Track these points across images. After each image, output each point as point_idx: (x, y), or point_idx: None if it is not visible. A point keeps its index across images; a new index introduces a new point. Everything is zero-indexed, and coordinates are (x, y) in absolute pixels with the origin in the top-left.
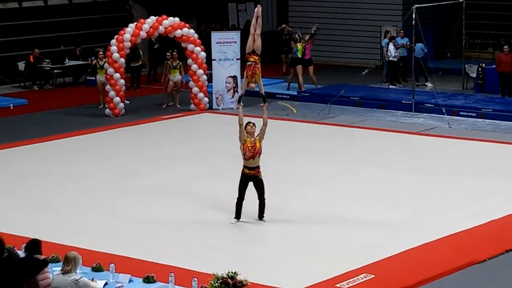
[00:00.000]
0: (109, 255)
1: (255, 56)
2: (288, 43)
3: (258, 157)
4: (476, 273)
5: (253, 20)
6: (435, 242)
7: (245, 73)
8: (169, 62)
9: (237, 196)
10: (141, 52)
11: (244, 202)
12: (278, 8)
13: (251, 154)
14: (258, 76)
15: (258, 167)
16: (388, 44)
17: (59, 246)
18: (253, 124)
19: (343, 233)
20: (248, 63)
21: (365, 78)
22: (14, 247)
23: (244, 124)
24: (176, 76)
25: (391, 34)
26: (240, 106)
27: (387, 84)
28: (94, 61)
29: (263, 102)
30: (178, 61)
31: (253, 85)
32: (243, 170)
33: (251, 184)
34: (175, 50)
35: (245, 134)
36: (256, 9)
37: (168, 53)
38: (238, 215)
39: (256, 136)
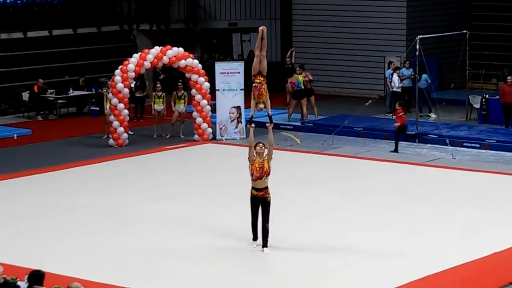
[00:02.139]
0: (111, 287)
1: (260, 77)
2: (291, 73)
3: (266, 177)
4: None
5: (258, 42)
6: (439, 274)
7: (251, 94)
8: (174, 92)
9: (251, 218)
10: (147, 83)
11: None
12: (282, 39)
13: (259, 174)
14: (265, 97)
15: (266, 187)
16: (392, 74)
17: (62, 277)
18: (263, 144)
19: (344, 264)
20: (254, 84)
21: (369, 108)
22: (16, 278)
23: (254, 145)
24: (181, 106)
25: (395, 65)
26: (252, 128)
27: (391, 114)
28: (104, 91)
29: (270, 122)
30: (183, 91)
31: (261, 106)
32: (251, 192)
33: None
34: (180, 80)
35: (254, 154)
36: (260, 29)
37: (158, 84)
38: (255, 236)
39: (265, 156)
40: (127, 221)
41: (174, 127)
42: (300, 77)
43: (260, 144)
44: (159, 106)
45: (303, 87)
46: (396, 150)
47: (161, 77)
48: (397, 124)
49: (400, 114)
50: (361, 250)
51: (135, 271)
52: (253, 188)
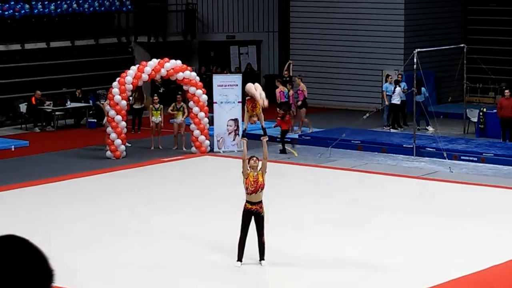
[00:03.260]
0: None
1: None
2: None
3: (261, 191)
4: None
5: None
6: (436, 287)
7: (245, 107)
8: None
9: (239, 235)
10: (145, 95)
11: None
12: (279, 52)
13: (254, 188)
14: (258, 109)
15: (260, 202)
16: (395, 88)
17: None
18: (256, 158)
19: (342, 278)
20: (247, 97)
21: (366, 121)
22: None
23: (247, 158)
24: (179, 118)
25: (392, 78)
26: (245, 140)
27: (388, 128)
28: (105, 103)
29: (264, 134)
30: (182, 103)
31: (255, 119)
32: (245, 205)
33: (252, 225)
34: (180, 92)
35: (248, 168)
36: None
37: (155, 96)
38: (240, 257)
39: (259, 170)
40: (123, 233)
41: (178, 138)
42: (289, 89)
43: (254, 158)
44: (156, 118)
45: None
46: (284, 151)
47: (161, 91)
48: (279, 127)
49: (282, 117)
50: (357, 264)
51: (130, 284)
52: (247, 201)
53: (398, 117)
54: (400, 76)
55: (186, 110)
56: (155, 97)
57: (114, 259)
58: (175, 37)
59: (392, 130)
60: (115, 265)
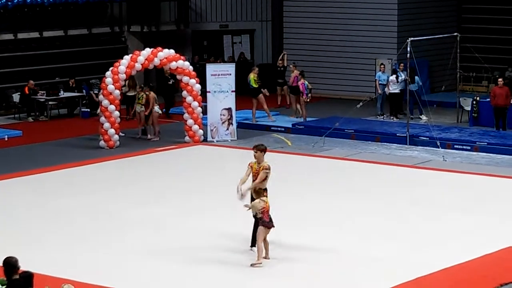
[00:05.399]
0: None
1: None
2: (283, 75)
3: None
4: None
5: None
6: (428, 276)
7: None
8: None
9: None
10: (137, 83)
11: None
12: (273, 41)
13: (254, 178)
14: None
15: (265, 189)
16: (397, 77)
17: (52, 278)
18: (260, 151)
19: (333, 267)
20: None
21: (360, 110)
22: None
23: (252, 147)
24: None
25: (385, 67)
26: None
27: (382, 116)
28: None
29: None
30: (146, 93)
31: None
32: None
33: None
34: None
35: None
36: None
37: (138, 86)
38: (254, 243)
39: (262, 164)
40: (116, 223)
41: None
42: (251, 76)
43: (259, 151)
44: (139, 107)
45: (254, 85)
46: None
47: (170, 82)
48: None
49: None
50: (350, 253)
51: (125, 273)
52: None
53: (397, 106)
54: (402, 65)
55: (152, 100)
56: (138, 87)
57: (109, 249)
58: (168, 27)
59: (394, 119)
60: (110, 255)
